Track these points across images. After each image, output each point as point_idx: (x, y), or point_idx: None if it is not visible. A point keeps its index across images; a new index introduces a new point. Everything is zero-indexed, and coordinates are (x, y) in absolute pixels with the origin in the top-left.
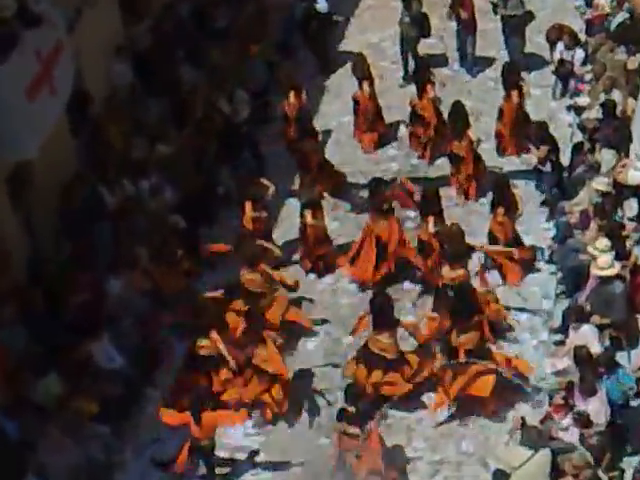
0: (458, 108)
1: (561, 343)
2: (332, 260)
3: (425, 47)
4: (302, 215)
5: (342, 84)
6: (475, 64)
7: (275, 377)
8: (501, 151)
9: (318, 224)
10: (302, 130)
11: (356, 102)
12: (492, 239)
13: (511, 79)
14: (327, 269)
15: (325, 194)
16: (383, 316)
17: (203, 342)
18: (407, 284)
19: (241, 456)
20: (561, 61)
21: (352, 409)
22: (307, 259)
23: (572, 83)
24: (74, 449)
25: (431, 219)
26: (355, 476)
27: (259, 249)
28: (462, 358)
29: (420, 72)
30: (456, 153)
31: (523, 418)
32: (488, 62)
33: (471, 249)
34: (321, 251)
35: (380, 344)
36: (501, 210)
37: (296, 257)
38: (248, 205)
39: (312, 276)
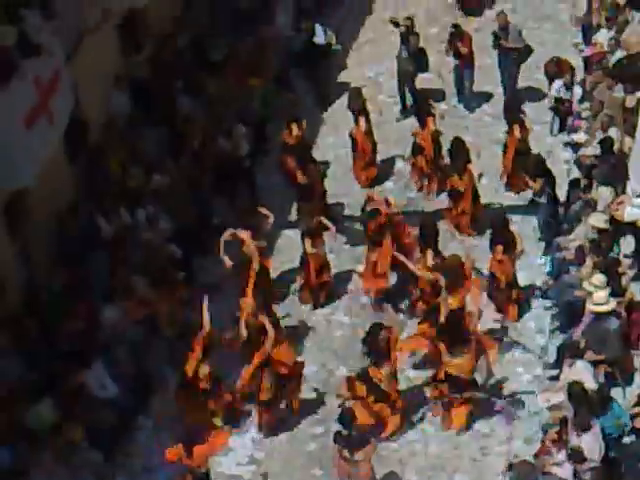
0: (458, 144)
1: (555, 378)
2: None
3: (423, 82)
4: (303, 244)
5: (339, 117)
6: (473, 99)
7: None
8: (509, 187)
9: (318, 253)
10: (303, 160)
11: (353, 138)
12: (493, 278)
13: (513, 113)
14: (327, 298)
15: (325, 221)
16: (380, 349)
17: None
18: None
19: None
20: (559, 99)
21: (346, 432)
22: (307, 289)
23: (570, 120)
24: (66, 476)
25: (430, 252)
26: None
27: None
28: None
29: (421, 105)
30: (455, 188)
31: (509, 464)
32: (486, 97)
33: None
34: (321, 279)
35: (379, 376)
36: (500, 248)
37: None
38: (247, 234)
39: (307, 307)
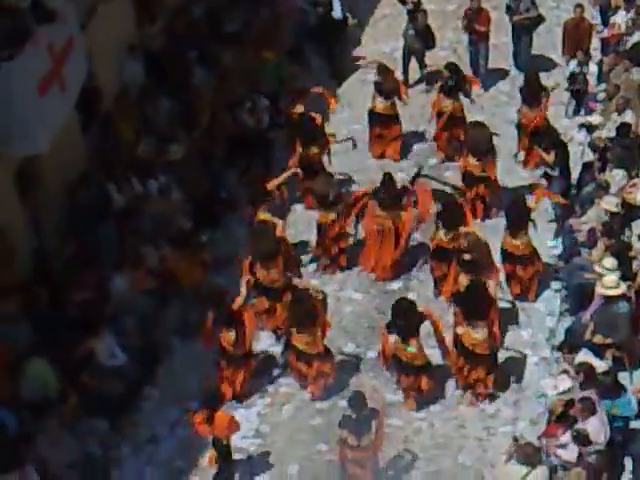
0: (482, 128)
1: (563, 361)
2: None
3: (438, 59)
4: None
5: (353, 92)
6: (487, 76)
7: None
8: (525, 164)
9: (337, 220)
10: (307, 136)
11: (375, 113)
12: (507, 256)
13: (533, 88)
14: (347, 264)
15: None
16: (409, 323)
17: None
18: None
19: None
20: (574, 79)
21: (354, 416)
22: (325, 256)
23: (585, 102)
24: (72, 444)
25: (443, 229)
26: None
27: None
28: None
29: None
30: (470, 172)
31: (515, 439)
32: (500, 75)
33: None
34: (341, 244)
35: (407, 353)
36: (516, 227)
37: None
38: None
39: (316, 282)
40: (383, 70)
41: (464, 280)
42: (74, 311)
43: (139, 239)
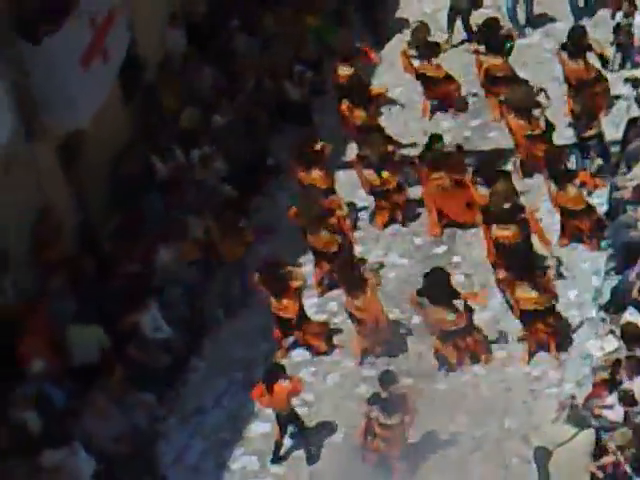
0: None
1: (609, 321)
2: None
3: (481, 17)
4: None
5: (396, 54)
6: (527, 25)
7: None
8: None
9: (391, 178)
10: (357, 99)
11: (421, 74)
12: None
13: (581, 43)
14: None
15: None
16: (441, 290)
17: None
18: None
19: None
20: (618, 27)
21: (385, 394)
22: (383, 212)
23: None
24: (118, 417)
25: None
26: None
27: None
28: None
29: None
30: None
31: (573, 396)
32: (544, 32)
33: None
34: (399, 199)
35: (442, 319)
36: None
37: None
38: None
39: (360, 249)
40: (416, 30)
41: (499, 232)
42: (120, 284)
43: (184, 210)
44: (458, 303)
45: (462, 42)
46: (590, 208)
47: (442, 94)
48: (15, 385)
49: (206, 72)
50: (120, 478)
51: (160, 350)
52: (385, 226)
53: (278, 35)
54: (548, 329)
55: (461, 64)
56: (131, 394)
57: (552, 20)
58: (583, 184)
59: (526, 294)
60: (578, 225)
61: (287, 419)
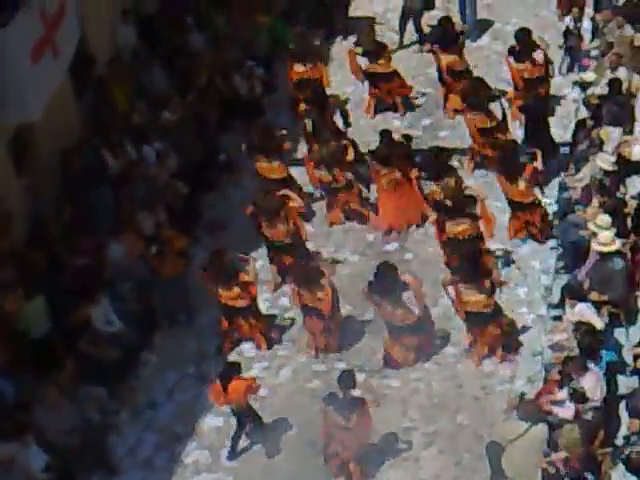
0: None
1: (559, 318)
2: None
3: (429, 19)
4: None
5: (345, 53)
6: (475, 28)
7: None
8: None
9: (342, 175)
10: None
11: (371, 73)
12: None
13: (528, 43)
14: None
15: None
16: (390, 285)
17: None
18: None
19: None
20: (568, 36)
21: (341, 395)
22: (337, 209)
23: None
24: (70, 410)
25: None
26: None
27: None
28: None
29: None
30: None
31: (522, 394)
32: (492, 33)
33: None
34: (350, 197)
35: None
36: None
37: None
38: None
39: (311, 245)
40: (363, 30)
41: (452, 229)
42: (70, 277)
43: (135, 205)
44: (407, 298)
45: (413, 43)
46: (539, 202)
47: (391, 90)
48: None
49: (157, 68)
50: (72, 471)
51: (111, 344)
52: (337, 223)
53: (230, 32)
54: (495, 332)
55: (411, 65)
56: (82, 388)
57: (500, 23)
58: (531, 178)
59: (472, 297)
60: (527, 219)
61: (244, 415)
